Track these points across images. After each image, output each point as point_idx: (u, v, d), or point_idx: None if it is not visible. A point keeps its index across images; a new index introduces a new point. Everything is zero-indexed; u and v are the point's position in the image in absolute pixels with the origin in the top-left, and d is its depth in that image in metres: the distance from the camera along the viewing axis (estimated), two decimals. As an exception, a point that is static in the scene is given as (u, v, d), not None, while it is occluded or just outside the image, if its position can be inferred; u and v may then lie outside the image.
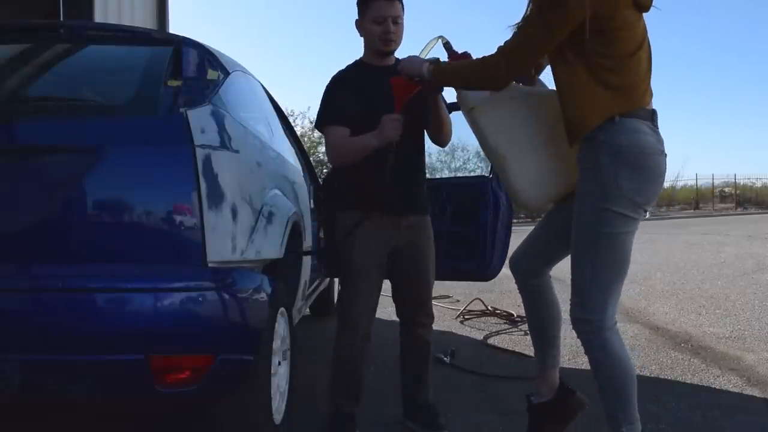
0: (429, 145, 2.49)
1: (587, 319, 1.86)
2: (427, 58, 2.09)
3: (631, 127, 1.77)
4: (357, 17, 2.33)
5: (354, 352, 2.35)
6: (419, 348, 2.43)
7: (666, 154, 1.84)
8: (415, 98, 2.16)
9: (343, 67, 2.42)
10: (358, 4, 2.32)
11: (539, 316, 2.14)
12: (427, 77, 2.00)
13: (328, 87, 2.39)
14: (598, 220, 1.81)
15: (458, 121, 2.33)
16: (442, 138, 2.38)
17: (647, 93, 1.84)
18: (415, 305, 2.41)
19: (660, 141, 1.83)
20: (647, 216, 2.03)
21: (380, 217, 2.28)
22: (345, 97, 2.32)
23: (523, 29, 1.84)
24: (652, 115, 1.82)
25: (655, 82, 1.87)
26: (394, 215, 2.31)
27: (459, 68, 2.00)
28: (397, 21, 2.28)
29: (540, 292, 2.12)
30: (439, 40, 2.16)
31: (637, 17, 1.81)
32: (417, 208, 2.38)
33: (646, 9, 1.82)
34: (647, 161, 1.78)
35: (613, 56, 1.78)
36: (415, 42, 2.25)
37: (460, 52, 2.12)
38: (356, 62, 2.42)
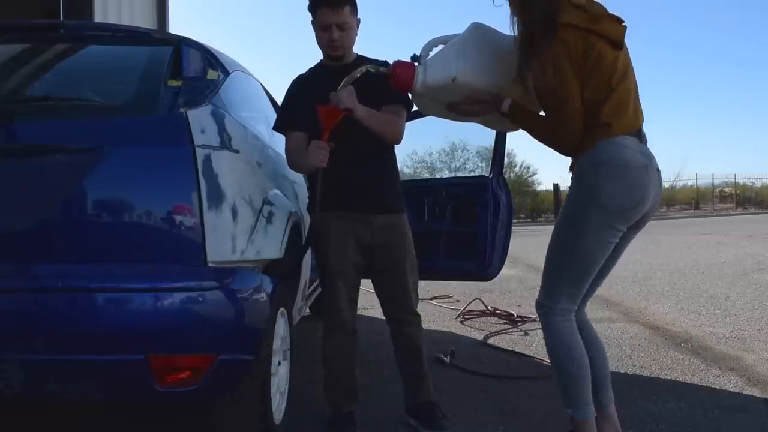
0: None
1: (541, 303, 2.02)
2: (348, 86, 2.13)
3: (615, 141, 1.88)
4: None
5: (344, 350, 2.35)
6: (410, 347, 2.42)
7: (651, 168, 1.92)
8: (343, 121, 2.14)
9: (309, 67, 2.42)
10: (308, 9, 2.30)
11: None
12: (506, 110, 2.01)
13: (288, 90, 2.40)
14: (575, 223, 1.93)
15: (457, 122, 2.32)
16: (387, 140, 2.34)
17: (636, 116, 1.95)
18: (396, 304, 2.40)
19: (645, 155, 1.92)
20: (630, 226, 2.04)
21: (352, 217, 2.29)
22: (304, 100, 2.31)
23: (552, 95, 1.88)
24: (638, 133, 1.94)
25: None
26: (365, 214, 2.31)
27: (534, 117, 2.02)
28: (344, 27, 2.26)
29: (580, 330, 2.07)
30: (367, 69, 2.16)
31: (613, 54, 1.89)
32: (387, 207, 2.36)
33: (619, 47, 1.91)
34: (627, 173, 1.88)
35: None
36: (412, 44, 2.24)
37: (389, 66, 2.14)
38: (317, 64, 2.43)
